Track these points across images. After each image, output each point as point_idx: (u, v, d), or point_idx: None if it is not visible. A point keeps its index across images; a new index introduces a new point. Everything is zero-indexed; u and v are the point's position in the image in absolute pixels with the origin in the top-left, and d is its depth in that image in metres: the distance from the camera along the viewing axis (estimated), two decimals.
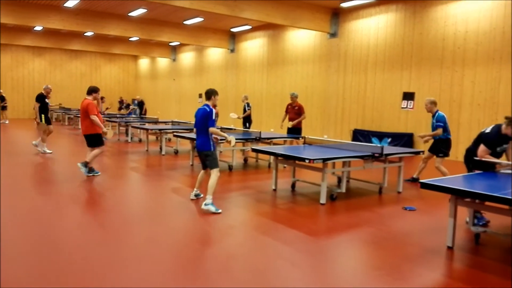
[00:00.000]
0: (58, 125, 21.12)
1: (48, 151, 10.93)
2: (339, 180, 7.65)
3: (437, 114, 7.64)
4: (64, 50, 27.16)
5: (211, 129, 5.79)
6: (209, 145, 5.83)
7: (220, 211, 5.60)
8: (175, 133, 10.52)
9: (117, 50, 24.70)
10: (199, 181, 6.31)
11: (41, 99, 10.72)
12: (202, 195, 6.34)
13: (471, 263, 4.18)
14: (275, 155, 6.86)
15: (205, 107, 5.86)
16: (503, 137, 5.14)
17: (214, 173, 5.78)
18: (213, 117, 5.83)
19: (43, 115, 10.71)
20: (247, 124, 12.55)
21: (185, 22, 17.97)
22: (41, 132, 11.16)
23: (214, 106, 6.04)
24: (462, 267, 4.09)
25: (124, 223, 5.13)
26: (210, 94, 6.00)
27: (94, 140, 7.85)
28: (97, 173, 8.01)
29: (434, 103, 7.73)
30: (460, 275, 3.90)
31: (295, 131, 10.36)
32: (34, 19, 16.05)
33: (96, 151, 7.86)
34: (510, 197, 3.73)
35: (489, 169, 5.25)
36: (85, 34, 21.94)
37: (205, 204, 5.66)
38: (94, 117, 7.63)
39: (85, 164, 7.80)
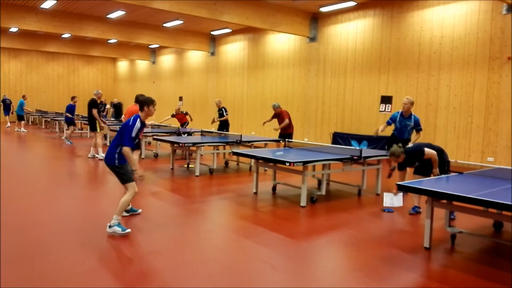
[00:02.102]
0: (35, 129, 20.68)
1: (101, 156, 10.57)
2: (319, 182, 7.72)
3: (413, 116, 7.44)
4: (41, 52, 26.62)
5: (124, 150, 4.68)
6: (114, 158, 4.80)
7: (128, 230, 4.70)
8: (154, 137, 10.43)
9: (95, 52, 24.34)
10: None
11: (95, 104, 10.65)
12: (138, 211, 5.64)
13: (448, 263, 4.28)
14: (256, 158, 6.88)
15: (132, 118, 4.76)
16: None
17: (129, 190, 4.80)
18: (132, 134, 4.68)
19: (97, 121, 10.70)
20: (225, 130, 12.55)
21: (164, 25, 17.87)
22: (95, 138, 10.88)
23: (146, 117, 4.89)
24: (439, 267, 4.17)
25: (98, 225, 5.06)
26: (143, 104, 4.81)
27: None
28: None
29: (413, 103, 7.55)
30: (436, 275, 3.98)
31: (285, 136, 10.49)
32: (10, 20, 15.67)
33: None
34: (484, 199, 3.84)
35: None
36: (62, 36, 21.57)
37: (109, 226, 4.71)
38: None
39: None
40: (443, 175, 5.69)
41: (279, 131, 10.68)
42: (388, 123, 7.64)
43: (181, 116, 14.21)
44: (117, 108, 20.56)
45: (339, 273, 3.98)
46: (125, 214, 5.39)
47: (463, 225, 5.33)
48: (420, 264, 4.21)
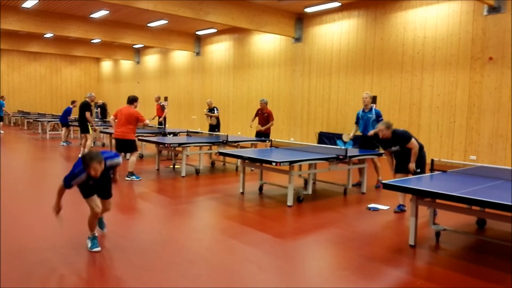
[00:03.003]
0: (17, 130, 20.31)
1: None
2: (306, 182, 7.75)
3: (373, 109, 8.00)
4: (23, 52, 26.18)
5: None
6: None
7: (97, 249, 4.23)
8: (139, 137, 10.33)
9: (78, 52, 24.03)
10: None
11: (88, 107, 10.59)
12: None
13: (433, 261, 4.34)
14: (242, 158, 6.88)
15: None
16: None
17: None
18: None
19: (89, 124, 10.65)
20: (216, 130, 12.56)
21: (149, 25, 17.73)
22: (84, 141, 10.89)
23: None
24: (424, 264, 4.23)
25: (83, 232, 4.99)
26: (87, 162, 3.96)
27: (130, 145, 8.16)
28: (138, 178, 8.20)
29: (372, 98, 8.09)
30: (422, 272, 4.03)
31: (263, 136, 10.50)
32: None
33: (133, 158, 8.20)
34: (468, 196, 3.91)
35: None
36: (44, 35, 21.24)
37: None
38: (148, 121, 8.42)
39: (131, 173, 8.12)
40: (418, 171, 5.90)
41: (256, 129, 10.68)
42: (356, 123, 8.23)
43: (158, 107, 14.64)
44: (102, 109, 20.37)
45: (326, 272, 4.00)
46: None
47: (447, 222, 5.41)
48: (405, 261, 4.26)
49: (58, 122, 18.48)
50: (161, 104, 14.84)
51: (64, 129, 14.56)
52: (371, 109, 8.00)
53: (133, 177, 8.13)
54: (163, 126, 13.75)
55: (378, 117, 7.88)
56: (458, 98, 11.18)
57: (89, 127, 10.79)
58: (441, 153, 11.36)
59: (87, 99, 10.91)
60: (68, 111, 14.61)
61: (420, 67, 11.97)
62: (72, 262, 3.95)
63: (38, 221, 5.32)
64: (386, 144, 6.23)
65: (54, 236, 4.69)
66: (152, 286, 3.49)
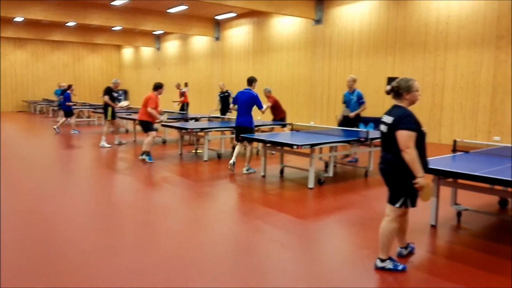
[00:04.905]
0: (42, 118, 20.88)
1: (107, 145, 10.79)
2: (326, 165, 7.81)
3: (357, 91, 8.41)
4: (46, 41, 26.67)
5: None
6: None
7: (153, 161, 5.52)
8: (163, 123, 10.52)
9: (100, 40, 24.35)
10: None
11: (109, 92, 10.71)
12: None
13: (454, 240, 4.38)
14: (264, 142, 6.97)
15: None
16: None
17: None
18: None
19: (110, 109, 10.73)
20: (228, 112, 12.47)
21: (168, 11, 17.80)
22: (106, 126, 11.07)
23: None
24: (445, 244, 4.27)
25: (116, 213, 5.20)
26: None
27: (146, 125, 8.72)
28: (150, 159, 8.62)
29: (355, 81, 8.50)
30: (443, 251, 4.08)
31: (281, 120, 10.57)
32: (15, 10, 15.73)
33: (149, 139, 8.63)
34: (490, 176, 3.91)
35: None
36: (66, 24, 21.56)
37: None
38: (151, 110, 8.49)
39: (147, 153, 8.61)
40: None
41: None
42: (344, 103, 8.79)
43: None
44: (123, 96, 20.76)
45: (347, 250, 4.09)
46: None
47: (469, 202, 5.41)
48: (426, 241, 4.31)
49: (86, 109, 18.75)
50: (182, 90, 14.90)
51: (73, 117, 14.33)
52: (354, 91, 8.46)
53: (146, 156, 8.59)
54: (185, 112, 13.88)
55: (359, 98, 8.40)
56: (482, 78, 10.94)
57: (108, 113, 10.74)
58: (464, 134, 11.20)
59: (111, 85, 11.00)
60: (66, 97, 14.10)
61: (444, 47, 11.73)
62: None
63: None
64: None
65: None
66: (182, 263, 3.65)
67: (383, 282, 3.39)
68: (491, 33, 10.71)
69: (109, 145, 10.85)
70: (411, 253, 3.88)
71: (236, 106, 7.80)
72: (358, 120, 8.65)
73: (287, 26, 16.79)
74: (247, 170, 7.66)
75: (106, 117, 10.86)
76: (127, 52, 30.04)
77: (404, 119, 3.35)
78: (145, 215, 5.09)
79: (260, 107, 7.54)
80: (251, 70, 18.72)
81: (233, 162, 7.65)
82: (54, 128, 14.15)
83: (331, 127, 9.33)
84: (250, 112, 7.64)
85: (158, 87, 8.75)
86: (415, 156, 3.28)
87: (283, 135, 7.77)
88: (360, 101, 8.41)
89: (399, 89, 3.49)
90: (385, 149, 3.57)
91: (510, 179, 3.77)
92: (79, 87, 28.61)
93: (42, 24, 21.91)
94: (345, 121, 8.62)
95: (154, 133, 8.79)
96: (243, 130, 7.57)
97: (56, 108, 19.69)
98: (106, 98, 10.61)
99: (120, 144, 11.16)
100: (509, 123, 10.44)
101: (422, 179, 3.30)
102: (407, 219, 3.79)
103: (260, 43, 18.18)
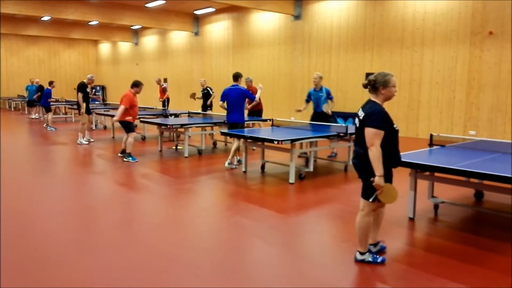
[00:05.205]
0: (17, 114, 20.39)
1: (84, 142, 10.68)
2: (307, 160, 7.87)
3: (324, 88, 8.55)
4: (21, 36, 25.99)
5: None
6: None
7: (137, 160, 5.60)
8: (142, 119, 10.41)
9: (76, 35, 23.85)
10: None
11: (83, 88, 10.44)
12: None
13: (431, 232, 4.48)
14: (245, 137, 6.98)
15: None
16: None
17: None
18: None
19: (84, 105, 10.52)
20: (209, 110, 12.33)
21: (147, 5, 17.59)
22: (80, 123, 10.88)
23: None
24: (423, 236, 4.37)
25: (94, 211, 5.14)
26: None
27: (125, 126, 8.42)
28: (134, 159, 8.36)
29: (322, 78, 8.60)
30: (421, 243, 4.17)
31: (255, 114, 10.54)
32: None
33: (130, 140, 8.38)
34: (466, 169, 4.01)
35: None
36: (42, 19, 21.04)
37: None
38: (121, 107, 8.24)
39: (128, 154, 8.34)
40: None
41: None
42: (306, 101, 8.90)
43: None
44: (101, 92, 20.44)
45: (328, 244, 4.14)
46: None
47: (446, 195, 5.54)
48: (404, 233, 4.41)
49: (62, 106, 18.38)
50: (163, 86, 14.67)
51: (49, 113, 14.15)
52: (321, 88, 8.56)
53: (129, 157, 8.34)
54: (165, 108, 13.74)
55: (328, 94, 8.58)
56: (458, 74, 11.19)
57: (81, 109, 10.54)
58: (441, 129, 11.45)
59: (84, 81, 10.75)
60: (47, 94, 14.02)
61: (420, 42, 11.93)
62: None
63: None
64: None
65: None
66: (163, 260, 3.63)
67: (363, 274, 3.45)
68: (465, 30, 10.95)
69: (87, 142, 10.67)
70: (381, 252, 3.81)
71: (225, 104, 7.70)
72: (332, 116, 8.82)
73: (266, 21, 16.79)
74: (229, 164, 7.68)
75: (79, 113, 10.67)
76: (105, 47, 29.53)
77: (372, 116, 3.37)
78: (124, 212, 5.04)
79: (253, 99, 7.67)
80: (231, 65, 18.66)
81: (238, 159, 7.90)
82: (45, 127, 13.98)
83: (312, 122, 9.40)
84: (243, 109, 7.67)
85: (135, 85, 8.43)
86: (378, 154, 3.31)
87: (264, 131, 7.79)
88: (329, 97, 8.60)
89: (376, 83, 3.51)
90: (357, 143, 3.59)
91: (484, 172, 3.88)
92: (56, 83, 28.02)
93: (16, 18, 21.32)
94: (316, 117, 8.71)
95: (134, 134, 8.56)
96: (236, 126, 7.61)
97: (25, 104, 19.18)
98: (79, 96, 10.40)
99: (89, 142, 10.85)
100: (484, 118, 10.72)
101: (379, 178, 3.33)
102: (383, 213, 3.85)
103: (240, 39, 18.14)
